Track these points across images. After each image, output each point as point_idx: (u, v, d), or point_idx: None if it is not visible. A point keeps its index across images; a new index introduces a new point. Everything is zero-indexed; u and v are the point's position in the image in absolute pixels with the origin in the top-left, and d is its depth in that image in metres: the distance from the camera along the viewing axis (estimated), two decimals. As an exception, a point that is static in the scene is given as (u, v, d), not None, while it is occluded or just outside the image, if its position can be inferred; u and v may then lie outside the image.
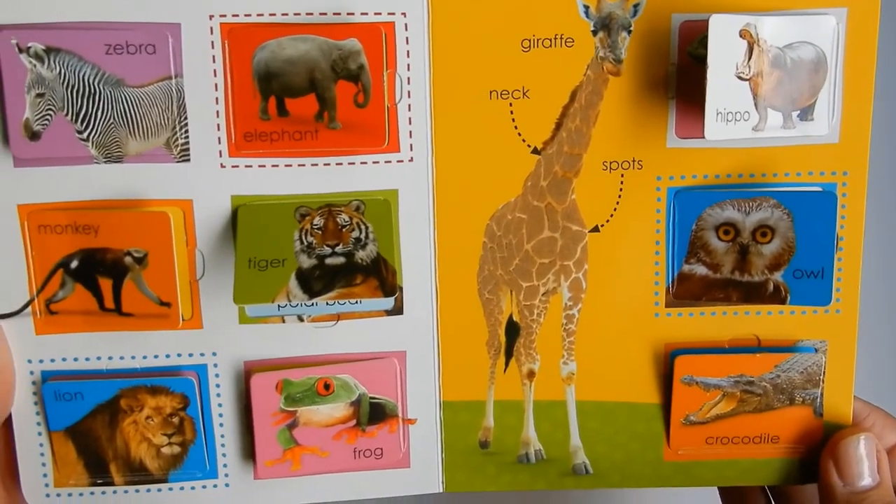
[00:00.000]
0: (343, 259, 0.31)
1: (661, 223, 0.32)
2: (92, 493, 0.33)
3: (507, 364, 0.34)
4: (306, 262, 0.31)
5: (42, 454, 0.33)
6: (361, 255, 0.31)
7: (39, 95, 0.30)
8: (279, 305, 0.32)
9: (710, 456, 0.34)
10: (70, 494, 0.33)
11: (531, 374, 0.34)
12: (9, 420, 0.32)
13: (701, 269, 0.32)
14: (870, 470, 0.32)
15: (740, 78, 0.30)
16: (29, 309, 0.32)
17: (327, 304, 0.32)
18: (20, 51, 0.29)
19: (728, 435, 0.34)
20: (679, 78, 0.31)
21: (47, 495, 0.33)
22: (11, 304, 0.31)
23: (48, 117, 0.30)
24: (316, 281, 0.31)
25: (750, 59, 0.30)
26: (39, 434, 0.33)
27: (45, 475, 0.33)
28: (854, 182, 0.32)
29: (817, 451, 0.34)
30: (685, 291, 0.33)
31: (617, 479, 0.35)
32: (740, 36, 0.30)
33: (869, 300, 0.34)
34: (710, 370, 0.33)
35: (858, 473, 0.32)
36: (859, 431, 0.33)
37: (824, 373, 0.33)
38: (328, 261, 0.31)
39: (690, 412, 0.34)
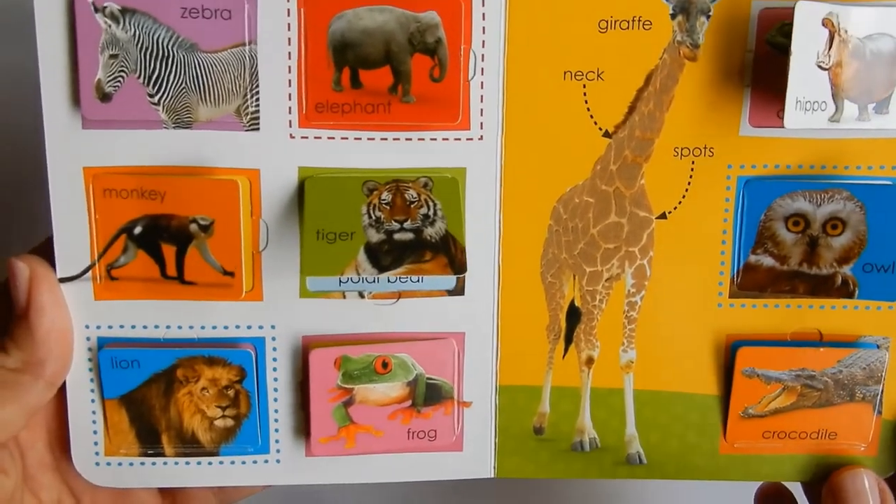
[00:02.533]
0: (412, 235, 0.31)
1: (730, 212, 0.32)
2: (142, 464, 0.33)
3: (566, 350, 0.33)
4: (375, 236, 0.30)
5: (94, 422, 0.32)
6: (430, 232, 0.31)
7: (113, 56, 0.29)
8: (340, 280, 0.32)
9: (767, 450, 0.34)
10: (120, 464, 0.33)
11: (590, 361, 0.34)
12: (62, 386, 0.32)
13: (768, 260, 0.32)
14: None
15: (820, 67, 0.30)
16: (89, 273, 0.31)
17: (389, 281, 0.32)
18: (96, 10, 0.29)
19: (786, 429, 0.33)
20: (756, 66, 0.31)
21: (97, 464, 0.33)
22: (72, 267, 0.31)
23: (120, 79, 0.30)
24: (385, 256, 0.30)
25: (831, 48, 0.30)
26: (93, 401, 0.32)
27: (95, 443, 0.33)
28: (927, 178, 0.32)
29: (874, 448, 0.34)
30: (751, 282, 0.32)
31: (671, 471, 0.34)
32: (823, 25, 0.30)
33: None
34: (771, 363, 0.33)
35: None
36: (859, 467, 0.33)
37: (886, 370, 0.33)
38: (397, 236, 0.31)
39: (749, 405, 0.33)
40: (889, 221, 0.31)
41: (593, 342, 0.33)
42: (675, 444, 0.34)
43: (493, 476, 0.34)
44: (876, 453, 0.34)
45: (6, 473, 0.30)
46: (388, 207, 0.31)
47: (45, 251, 0.31)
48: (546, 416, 0.34)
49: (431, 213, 0.31)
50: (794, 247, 0.32)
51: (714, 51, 0.31)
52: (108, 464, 0.33)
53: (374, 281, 0.32)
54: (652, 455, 0.34)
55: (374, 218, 0.31)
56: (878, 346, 0.33)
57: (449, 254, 0.31)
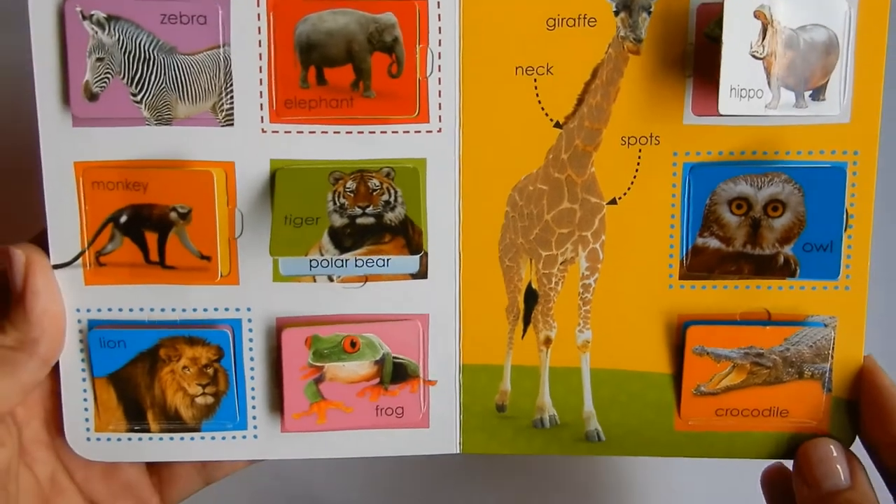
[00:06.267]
0: (373, 219, 0.33)
1: (677, 197, 0.34)
2: (129, 439, 0.35)
3: (524, 330, 0.35)
4: (338, 220, 0.33)
5: (85, 399, 0.35)
6: (390, 217, 0.33)
7: (99, 60, 0.32)
8: (311, 263, 0.34)
9: (721, 427, 0.35)
10: (109, 439, 0.35)
11: (548, 341, 0.35)
12: (55, 368, 0.34)
13: (714, 243, 0.34)
14: (834, 472, 0.33)
15: (754, 57, 0.32)
16: (80, 260, 0.34)
17: (356, 264, 0.34)
18: (83, 18, 0.32)
19: (738, 407, 0.35)
20: (696, 58, 0.33)
21: (88, 439, 0.35)
22: (64, 255, 0.34)
23: (106, 80, 0.33)
24: (347, 238, 0.33)
25: (764, 39, 0.32)
26: (84, 380, 0.35)
27: (87, 420, 0.35)
28: (864, 161, 0.33)
29: (826, 425, 0.35)
30: (699, 264, 0.34)
31: (629, 447, 0.36)
32: (755, 16, 0.31)
33: (881, 277, 0.35)
34: (721, 341, 0.34)
35: (823, 475, 0.33)
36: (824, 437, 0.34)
37: (833, 348, 0.34)
38: (359, 220, 0.33)
39: (701, 382, 0.35)
40: (826, 202, 0.32)
41: (550, 323, 0.35)
42: (632, 421, 0.35)
43: (458, 452, 0.36)
44: (828, 430, 0.35)
45: (3, 445, 0.33)
46: (352, 195, 0.33)
47: (40, 240, 0.34)
48: (507, 394, 0.36)
49: (393, 199, 0.33)
50: (738, 229, 0.33)
51: (656, 45, 0.33)
52: (98, 439, 0.35)
53: (342, 265, 0.34)
54: (610, 432, 0.36)
55: (338, 204, 0.33)
56: (825, 325, 0.34)
57: (407, 236, 0.33)
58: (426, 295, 0.35)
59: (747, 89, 0.32)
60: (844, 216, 0.33)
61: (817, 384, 0.34)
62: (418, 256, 0.34)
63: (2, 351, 0.32)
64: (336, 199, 0.33)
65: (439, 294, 0.35)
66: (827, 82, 0.32)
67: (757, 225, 0.33)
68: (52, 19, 0.32)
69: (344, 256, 0.33)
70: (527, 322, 0.35)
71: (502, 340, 0.35)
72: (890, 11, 0.32)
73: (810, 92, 0.32)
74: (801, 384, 0.34)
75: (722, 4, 0.31)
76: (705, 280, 0.34)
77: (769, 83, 0.32)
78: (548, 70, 0.33)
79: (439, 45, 0.33)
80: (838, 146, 0.33)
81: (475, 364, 0.35)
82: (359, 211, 0.33)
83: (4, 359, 0.32)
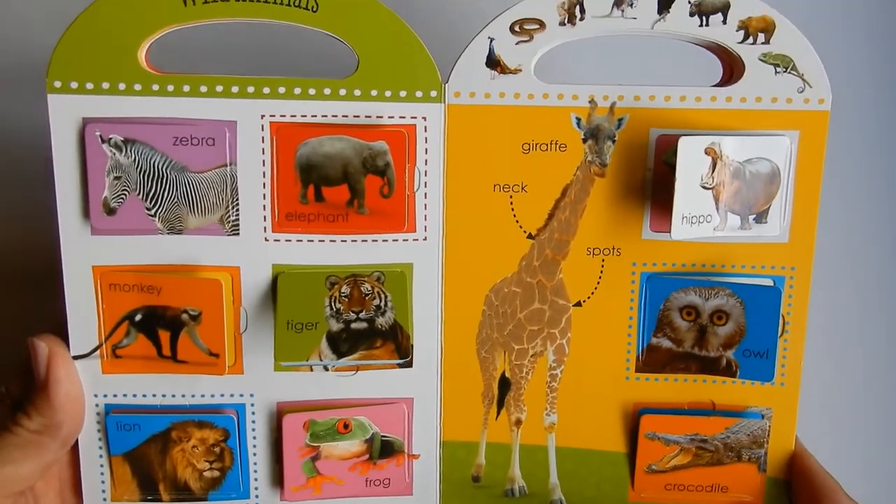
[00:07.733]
0: (366, 324, 0.37)
1: (635, 302, 0.38)
2: (142, 507, 0.39)
3: (498, 413, 0.40)
4: (335, 325, 0.37)
5: (102, 473, 0.39)
6: (381, 322, 0.37)
7: (117, 178, 0.36)
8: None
9: (669, 500, 0.40)
10: (124, 507, 0.39)
11: (518, 422, 0.40)
12: (75, 444, 0.38)
13: (666, 343, 0.38)
14: None
15: (704, 187, 0.36)
16: (98, 352, 0.37)
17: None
18: (102, 141, 0.35)
19: (684, 483, 0.40)
20: (654, 181, 0.37)
21: (105, 507, 0.39)
22: (83, 347, 0.37)
23: (123, 196, 0.36)
24: (343, 343, 0.37)
25: (714, 171, 0.36)
26: (101, 457, 0.39)
27: (103, 491, 0.39)
28: (800, 276, 0.38)
29: (760, 501, 0.40)
30: (652, 361, 0.38)
31: (588, 515, 0.40)
32: (705, 153, 0.35)
33: (813, 372, 0.40)
34: (670, 428, 0.39)
35: None
36: None
37: (768, 436, 0.39)
38: (353, 325, 0.37)
39: (652, 462, 0.39)
40: (763, 316, 0.37)
41: (521, 407, 0.40)
42: (591, 493, 0.40)
43: (438, 517, 0.41)
44: None
45: (23, 518, 0.36)
46: (346, 300, 0.37)
47: (60, 332, 0.37)
48: (482, 466, 0.40)
49: (383, 304, 0.37)
50: (687, 332, 0.38)
51: (619, 169, 0.37)
52: (114, 507, 0.39)
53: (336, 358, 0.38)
54: (572, 501, 0.40)
55: (334, 309, 0.37)
56: (761, 416, 0.39)
57: (396, 341, 0.37)
58: (411, 381, 0.39)
59: (697, 215, 0.36)
60: (781, 325, 0.37)
61: (754, 466, 0.39)
62: (405, 353, 0.38)
63: (28, 435, 0.36)
64: (332, 304, 0.37)
65: (423, 381, 0.39)
66: (769, 207, 0.37)
67: (704, 331, 0.38)
68: (74, 141, 0.35)
69: (340, 362, 0.37)
70: (500, 406, 0.40)
71: (478, 421, 0.40)
72: (826, 146, 0.37)
73: (754, 216, 0.37)
74: (740, 466, 0.39)
75: (678, 136, 0.35)
76: (658, 374, 0.39)
77: (717, 209, 0.36)
78: (522, 188, 0.37)
79: (426, 164, 0.37)
80: (777, 262, 0.37)
81: (454, 441, 0.40)
82: (353, 316, 0.37)
83: (31, 442, 0.36)
